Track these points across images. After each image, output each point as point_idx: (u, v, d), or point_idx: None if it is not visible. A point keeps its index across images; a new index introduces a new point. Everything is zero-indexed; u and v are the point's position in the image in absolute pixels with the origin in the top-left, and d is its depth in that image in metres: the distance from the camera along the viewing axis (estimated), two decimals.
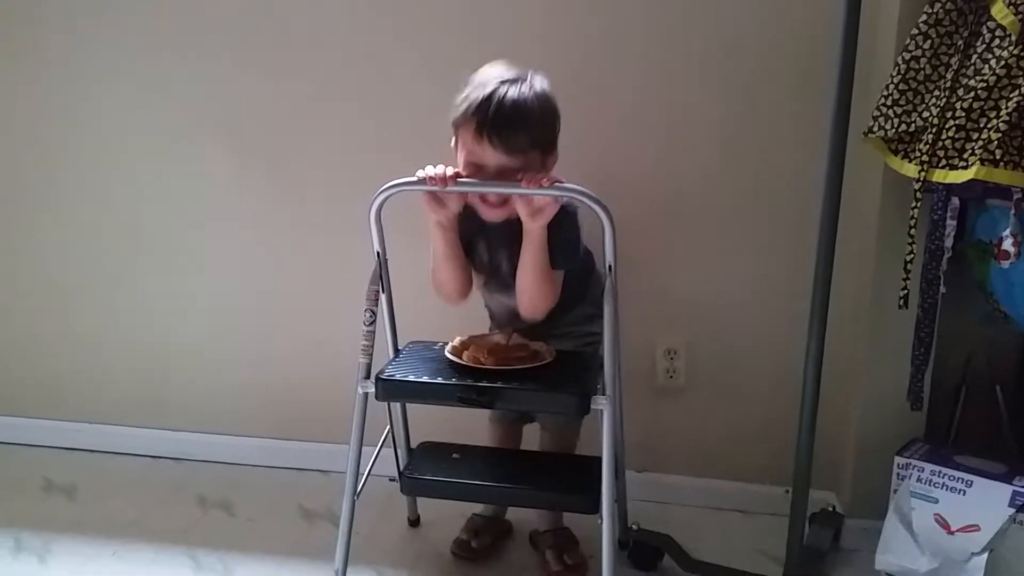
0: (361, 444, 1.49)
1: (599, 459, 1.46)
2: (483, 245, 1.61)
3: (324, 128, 1.98)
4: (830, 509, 1.84)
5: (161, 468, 2.17)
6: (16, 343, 2.26)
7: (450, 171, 1.42)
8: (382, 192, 1.44)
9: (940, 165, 1.40)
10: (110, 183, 2.11)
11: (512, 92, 1.43)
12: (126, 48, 2.02)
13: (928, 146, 1.41)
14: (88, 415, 2.25)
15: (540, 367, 1.47)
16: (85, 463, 2.18)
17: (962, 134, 1.35)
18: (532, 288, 1.52)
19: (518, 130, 1.43)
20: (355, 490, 1.49)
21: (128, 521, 1.89)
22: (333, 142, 1.98)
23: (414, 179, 1.42)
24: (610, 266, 1.39)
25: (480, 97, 1.43)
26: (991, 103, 1.31)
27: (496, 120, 1.42)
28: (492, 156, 1.44)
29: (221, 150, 2.03)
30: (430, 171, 1.41)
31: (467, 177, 1.45)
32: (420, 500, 1.89)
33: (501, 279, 1.62)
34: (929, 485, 1.57)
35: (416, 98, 1.90)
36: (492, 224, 1.56)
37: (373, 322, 1.48)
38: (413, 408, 1.77)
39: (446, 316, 1.69)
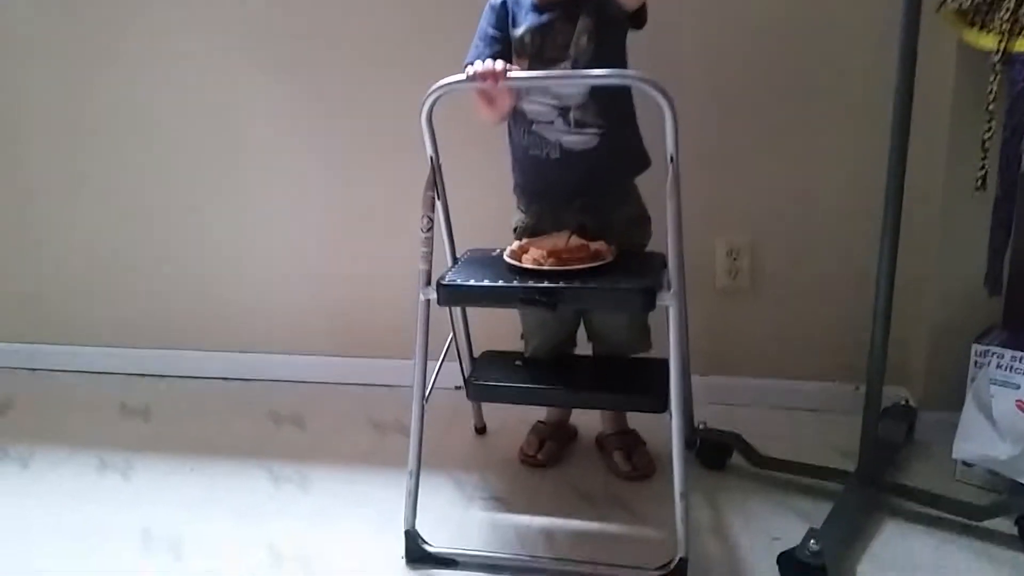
0: (427, 350, 1.49)
1: (664, 360, 1.44)
2: (529, 35, 1.53)
3: (371, 45, 1.96)
4: (903, 403, 1.81)
5: (232, 389, 2.23)
6: (84, 278, 2.31)
7: (499, 65, 1.37)
8: (432, 93, 1.40)
9: (1023, 33, 1.31)
10: (161, 114, 2.12)
11: None
12: None
13: (1009, 13, 1.33)
14: (157, 342, 2.31)
15: (602, 266, 1.44)
16: (158, 387, 2.26)
17: None
18: None
19: None
20: (423, 395, 1.49)
21: (203, 439, 1.95)
22: (382, 58, 1.95)
23: (463, 77, 1.38)
24: (672, 156, 1.34)
25: None
26: None
27: None
28: None
29: (273, 72, 2.03)
30: (479, 67, 1.37)
31: None
32: (485, 410, 1.91)
33: (547, 59, 1.53)
34: (1009, 371, 1.52)
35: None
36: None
37: (431, 228, 1.46)
38: (473, 321, 1.77)
39: (503, 223, 1.68)
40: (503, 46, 1.54)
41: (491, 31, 1.55)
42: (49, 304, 2.36)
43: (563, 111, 1.53)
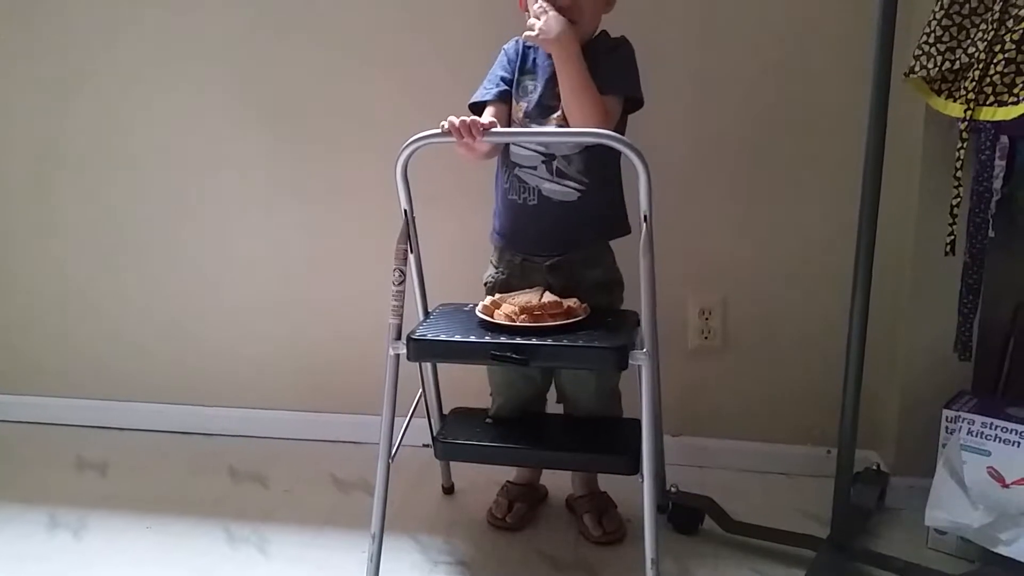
0: (394, 407, 1.46)
1: (636, 420, 1.42)
2: (529, 79, 1.57)
3: (351, 92, 1.95)
4: (874, 468, 1.79)
5: (192, 444, 2.16)
6: (45, 324, 2.25)
7: (475, 120, 1.37)
8: (408, 146, 1.40)
9: (988, 102, 1.34)
10: (134, 154, 2.09)
11: None
12: (150, 11, 2.01)
13: (974, 83, 1.35)
14: (118, 393, 2.24)
15: (574, 324, 1.43)
16: (116, 440, 2.18)
17: (1012, 68, 1.29)
18: (575, 107, 1.46)
19: None
20: (390, 452, 1.46)
21: (161, 495, 1.88)
22: (360, 106, 1.95)
23: (439, 131, 1.38)
24: (646, 215, 1.34)
25: None
26: None
27: None
28: None
29: (248, 122, 2.02)
30: (455, 121, 1.37)
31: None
32: (454, 469, 1.86)
33: (544, 105, 1.55)
34: (981, 438, 1.52)
35: (440, 60, 1.88)
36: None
37: (403, 282, 1.44)
38: (443, 378, 1.74)
39: (476, 279, 1.66)
40: (510, 88, 1.57)
41: (500, 72, 1.58)
42: (5, 351, 2.30)
43: (548, 159, 1.53)
